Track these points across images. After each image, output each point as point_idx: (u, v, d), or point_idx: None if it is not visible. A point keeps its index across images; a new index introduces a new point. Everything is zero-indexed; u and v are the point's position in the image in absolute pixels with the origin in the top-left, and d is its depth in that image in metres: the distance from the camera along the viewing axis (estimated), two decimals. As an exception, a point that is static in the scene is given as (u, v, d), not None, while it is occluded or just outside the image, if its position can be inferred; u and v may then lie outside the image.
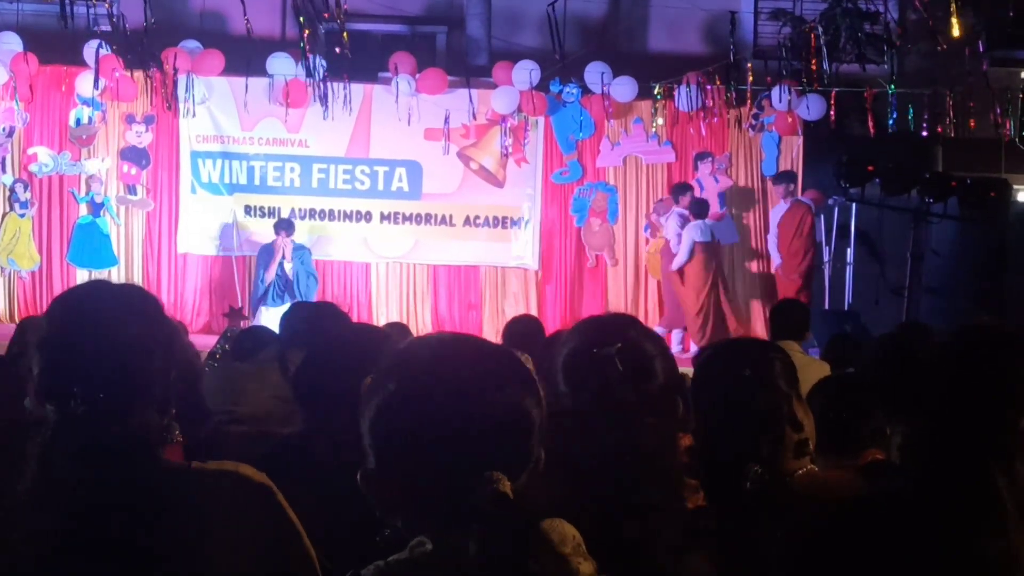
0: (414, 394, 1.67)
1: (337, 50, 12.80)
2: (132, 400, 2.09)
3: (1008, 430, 2.17)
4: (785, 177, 13.99)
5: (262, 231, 13.85)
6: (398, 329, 6.48)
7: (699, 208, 13.31)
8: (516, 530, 1.54)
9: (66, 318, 2.13)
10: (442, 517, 1.60)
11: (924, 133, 14.11)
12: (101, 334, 2.09)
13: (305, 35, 13.36)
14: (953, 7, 10.08)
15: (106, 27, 13.00)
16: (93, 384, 2.06)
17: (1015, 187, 14.60)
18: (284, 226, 13.41)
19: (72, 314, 2.14)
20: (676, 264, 13.25)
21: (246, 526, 2.13)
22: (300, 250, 13.49)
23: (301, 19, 13.49)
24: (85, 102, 13.93)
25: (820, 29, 14.03)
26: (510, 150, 14.42)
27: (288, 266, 13.26)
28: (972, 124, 13.85)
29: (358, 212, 14.54)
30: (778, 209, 13.88)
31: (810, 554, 2.03)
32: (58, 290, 11.46)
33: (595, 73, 14.05)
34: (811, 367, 5.04)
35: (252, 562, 2.12)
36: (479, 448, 1.63)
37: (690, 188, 13.78)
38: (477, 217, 14.60)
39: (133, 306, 2.17)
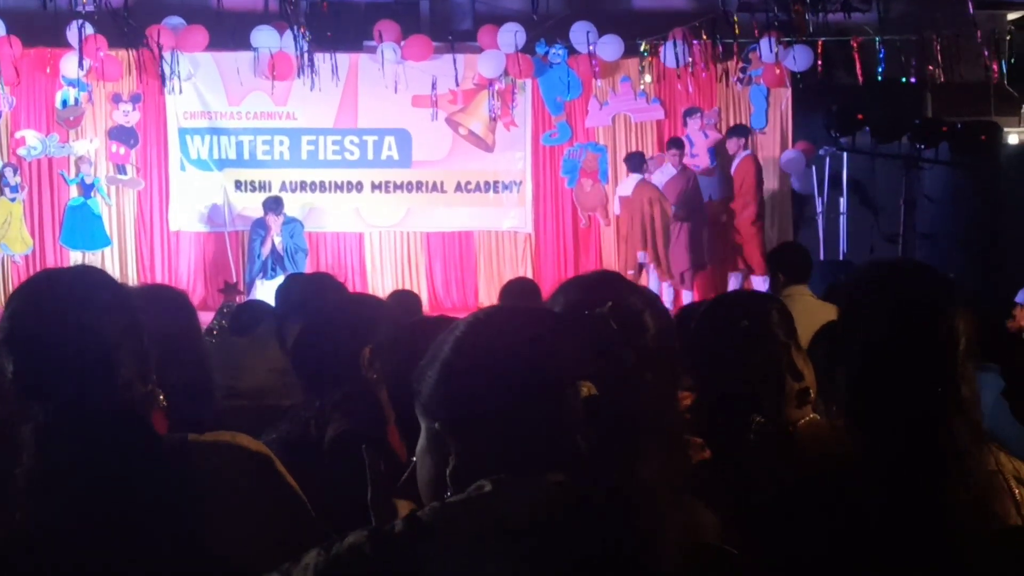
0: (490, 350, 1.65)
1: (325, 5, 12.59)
2: (113, 375, 2.09)
3: (948, 356, 2.14)
4: (737, 131, 13.95)
5: (253, 206, 13.81)
6: (407, 298, 6.40)
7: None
8: (621, 423, 1.56)
9: (28, 313, 2.12)
10: (522, 454, 1.59)
11: (912, 79, 14.08)
12: (65, 321, 2.09)
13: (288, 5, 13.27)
14: None
15: (88, 7, 12.90)
16: (72, 372, 2.06)
17: (1005, 130, 14.55)
18: (271, 206, 13.34)
19: (32, 308, 2.13)
20: None
21: (246, 496, 2.13)
22: (290, 223, 13.44)
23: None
24: (71, 83, 13.87)
25: (805, -22, 13.98)
26: (498, 114, 14.38)
27: (278, 240, 13.23)
28: (961, 69, 13.80)
29: (349, 182, 14.51)
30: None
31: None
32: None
33: (580, 33, 13.98)
34: (822, 311, 4.89)
35: (255, 531, 2.11)
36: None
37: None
38: (468, 183, 14.57)
39: (87, 285, 2.18)
